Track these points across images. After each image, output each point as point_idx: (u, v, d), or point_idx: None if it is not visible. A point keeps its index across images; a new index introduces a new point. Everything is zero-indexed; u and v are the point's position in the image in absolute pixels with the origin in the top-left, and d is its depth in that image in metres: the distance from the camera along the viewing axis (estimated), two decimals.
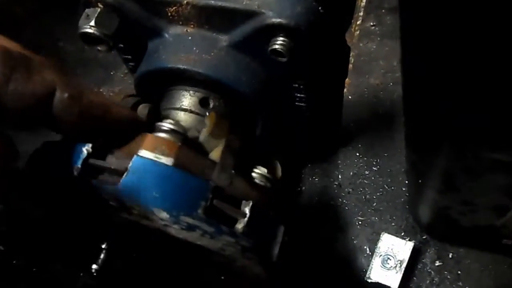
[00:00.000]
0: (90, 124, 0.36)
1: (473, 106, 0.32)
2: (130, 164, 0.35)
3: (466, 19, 0.26)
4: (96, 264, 0.38)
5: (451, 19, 0.27)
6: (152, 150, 0.36)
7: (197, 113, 0.46)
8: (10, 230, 0.40)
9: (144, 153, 0.36)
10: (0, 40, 0.32)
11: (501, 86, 0.29)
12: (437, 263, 0.62)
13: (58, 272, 0.41)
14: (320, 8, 0.43)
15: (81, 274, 0.40)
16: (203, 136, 0.42)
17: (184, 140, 0.39)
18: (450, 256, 0.62)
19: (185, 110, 0.47)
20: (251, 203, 0.39)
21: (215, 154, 0.41)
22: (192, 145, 0.41)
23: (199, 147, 0.42)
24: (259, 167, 0.43)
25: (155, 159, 0.36)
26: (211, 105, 0.46)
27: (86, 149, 0.36)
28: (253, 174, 0.43)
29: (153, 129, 0.39)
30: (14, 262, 0.40)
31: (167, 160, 0.36)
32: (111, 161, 0.37)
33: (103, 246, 0.39)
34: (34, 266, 0.40)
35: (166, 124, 0.39)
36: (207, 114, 0.45)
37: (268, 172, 0.44)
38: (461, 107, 0.33)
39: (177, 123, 0.40)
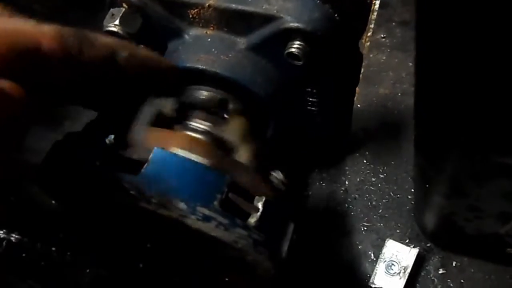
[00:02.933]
0: (145, 72, 0.41)
1: (484, 112, 0.33)
2: (151, 156, 0.37)
3: (478, 30, 0.28)
4: (108, 255, 0.39)
5: (464, 29, 0.29)
6: (189, 149, 0.39)
7: (214, 113, 0.47)
8: (23, 221, 0.40)
9: (181, 152, 0.38)
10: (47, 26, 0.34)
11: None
12: (441, 271, 0.63)
13: (68, 265, 0.41)
14: (336, 15, 0.45)
15: (91, 266, 0.41)
16: (234, 139, 0.44)
17: (214, 141, 0.41)
18: (454, 264, 0.63)
19: (201, 109, 0.48)
20: (264, 199, 0.40)
21: (242, 156, 0.43)
22: (221, 146, 0.43)
23: (227, 148, 0.44)
24: (277, 171, 0.45)
25: (193, 159, 0.38)
26: (230, 107, 0.48)
27: (108, 140, 0.38)
28: (273, 178, 0.44)
29: (181, 125, 0.41)
30: (24, 255, 0.41)
31: (203, 161, 0.38)
32: (133, 151, 0.38)
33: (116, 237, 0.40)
34: (44, 259, 0.41)
35: (199, 125, 0.41)
36: (225, 116, 0.47)
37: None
38: (472, 113, 0.34)
39: (203, 123, 0.41)
